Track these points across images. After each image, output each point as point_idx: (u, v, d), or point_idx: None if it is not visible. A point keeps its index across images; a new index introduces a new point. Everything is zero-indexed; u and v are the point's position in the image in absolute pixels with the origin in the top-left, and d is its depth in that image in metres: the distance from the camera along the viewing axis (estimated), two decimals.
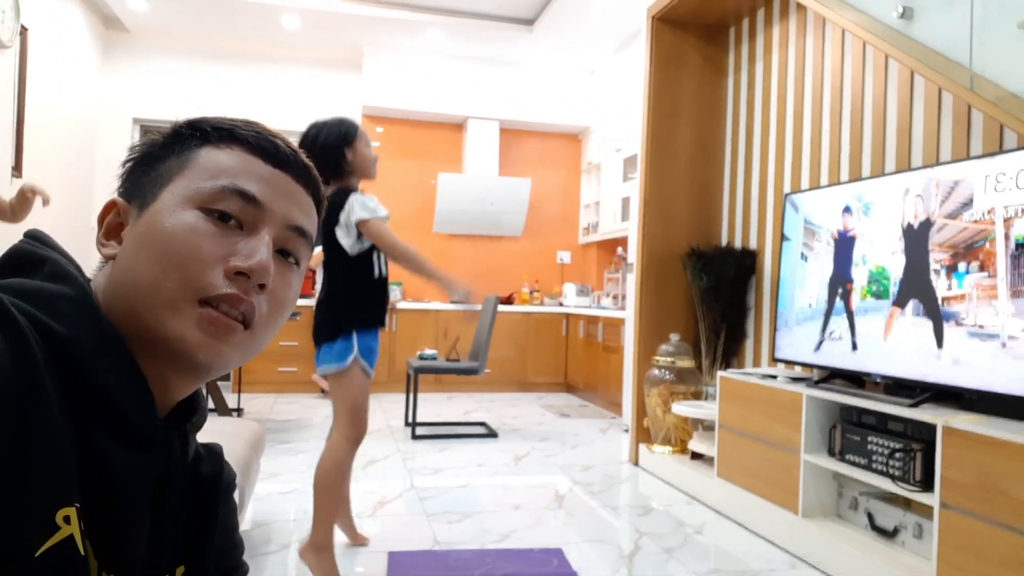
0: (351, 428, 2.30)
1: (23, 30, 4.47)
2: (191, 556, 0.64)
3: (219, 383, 4.64)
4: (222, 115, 0.65)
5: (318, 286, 6.20)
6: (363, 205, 2.24)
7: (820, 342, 2.88)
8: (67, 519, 0.47)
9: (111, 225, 0.62)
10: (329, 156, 2.29)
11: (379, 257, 2.35)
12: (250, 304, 0.58)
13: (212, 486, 0.67)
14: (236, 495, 2.07)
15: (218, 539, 0.68)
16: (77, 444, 0.49)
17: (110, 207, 0.63)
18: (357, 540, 2.62)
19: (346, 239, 2.26)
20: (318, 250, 2.41)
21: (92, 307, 0.54)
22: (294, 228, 0.63)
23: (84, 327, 0.52)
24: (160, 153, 0.62)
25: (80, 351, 0.51)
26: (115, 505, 0.52)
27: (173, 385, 0.59)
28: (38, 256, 0.56)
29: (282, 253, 0.63)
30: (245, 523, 2.82)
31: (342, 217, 2.25)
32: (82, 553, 0.48)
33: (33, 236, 0.59)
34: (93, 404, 0.51)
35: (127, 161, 0.64)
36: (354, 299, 2.30)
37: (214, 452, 0.70)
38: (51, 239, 0.60)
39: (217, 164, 0.61)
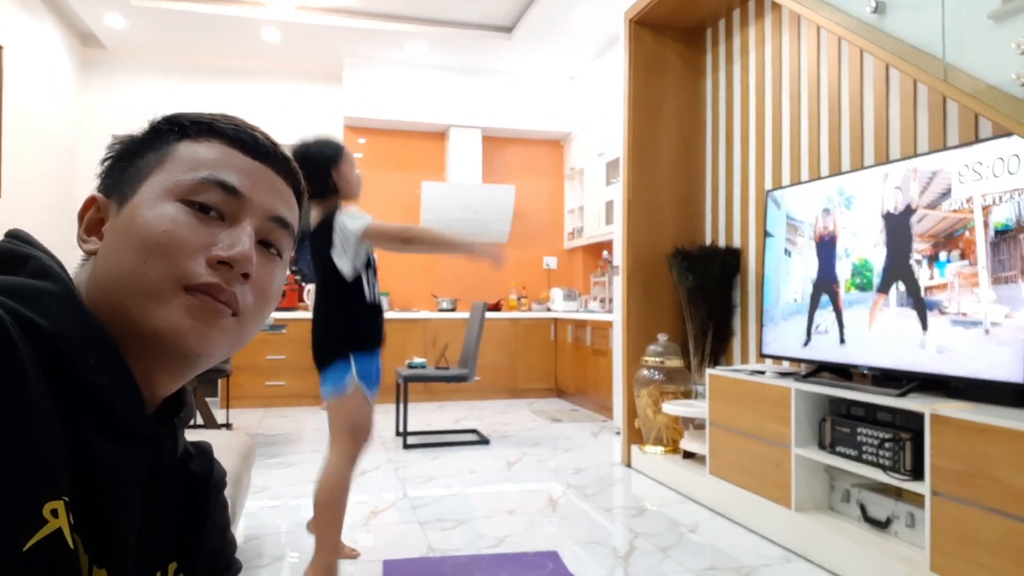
0: (352, 445, 2.26)
1: None
2: (183, 553, 0.63)
3: (207, 398, 4.60)
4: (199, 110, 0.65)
5: (306, 300, 6.19)
6: (352, 217, 2.23)
7: (807, 337, 2.90)
8: (55, 513, 0.46)
9: (91, 221, 0.62)
10: (315, 176, 2.28)
11: (370, 281, 2.33)
12: (232, 294, 0.58)
13: (202, 483, 0.67)
14: (229, 505, 2.04)
15: (210, 537, 0.67)
16: (64, 438, 0.49)
17: (90, 203, 0.62)
18: (345, 553, 2.59)
19: (345, 262, 2.23)
20: None
21: (76, 302, 0.54)
22: (276, 219, 0.63)
23: (69, 322, 0.52)
24: (138, 149, 0.62)
25: (65, 346, 0.51)
26: (104, 500, 0.51)
27: (159, 379, 0.59)
28: (21, 254, 0.56)
29: (264, 244, 0.63)
30: (237, 537, 2.79)
31: (336, 240, 2.23)
32: (71, 547, 0.47)
33: (15, 235, 0.59)
34: (80, 398, 0.51)
35: (106, 158, 0.64)
36: (348, 321, 2.26)
37: (204, 450, 0.70)
38: (33, 238, 0.59)
39: (196, 157, 0.61)
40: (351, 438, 2.26)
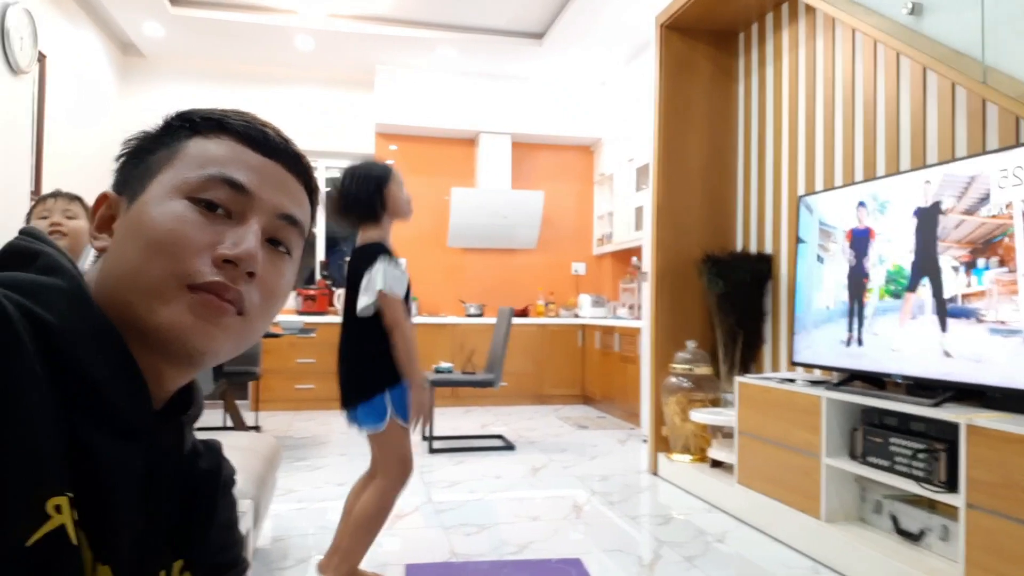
0: (402, 476, 2.26)
1: (41, 56, 4.55)
2: (189, 550, 0.63)
3: (237, 401, 4.66)
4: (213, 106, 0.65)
5: (336, 304, 6.24)
6: (387, 276, 2.20)
7: (839, 344, 2.84)
8: (58, 508, 0.46)
9: (103, 218, 0.62)
10: (362, 200, 2.29)
11: (407, 313, 2.31)
12: (237, 292, 0.58)
13: (210, 481, 0.67)
14: (251, 506, 2.03)
15: (217, 534, 0.67)
16: (68, 434, 0.49)
17: (101, 200, 0.63)
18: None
19: (364, 299, 2.24)
20: None
21: (84, 298, 0.54)
22: (285, 217, 0.63)
23: (76, 317, 0.52)
24: (150, 146, 0.62)
25: (72, 341, 0.51)
26: (106, 495, 0.51)
27: (166, 375, 0.59)
28: (31, 250, 0.56)
29: (273, 243, 0.63)
30: (263, 539, 2.82)
31: (364, 281, 2.22)
32: (74, 543, 0.47)
33: (28, 232, 0.59)
34: (85, 394, 0.51)
35: (120, 155, 0.64)
36: (382, 355, 2.23)
37: (212, 448, 0.70)
38: (45, 236, 0.60)
39: (206, 154, 0.60)
40: (400, 468, 2.26)
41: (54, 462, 0.47)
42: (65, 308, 0.52)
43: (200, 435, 0.71)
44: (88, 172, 5.54)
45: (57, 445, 0.47)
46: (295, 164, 0.65)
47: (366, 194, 2.28)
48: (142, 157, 0.62)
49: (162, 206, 0.58)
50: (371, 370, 2.24)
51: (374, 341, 2.24)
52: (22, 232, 0.60)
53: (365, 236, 2.30)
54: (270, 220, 0.62)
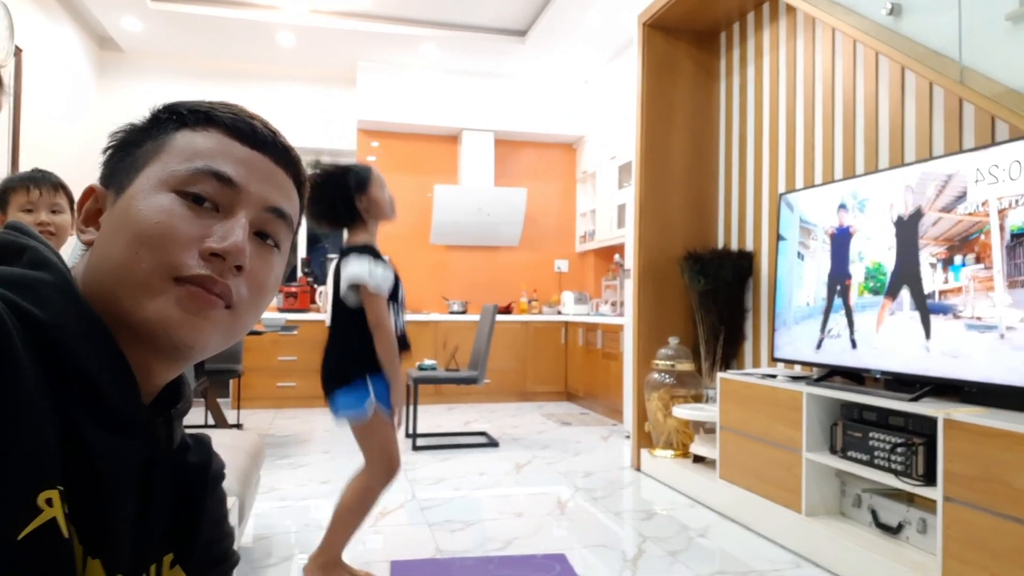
0: (386, 472, 2.25)
1: (17, 51, 4.48)
2: (179, 544, 0.63)
3: (218, 399, 4.63)
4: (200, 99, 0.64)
5: (319, 301, 6.21)
6: (372, 274, 2.18)
7: (819, 340, 2.87)
8: (49, 502, 0.46)
9: (89, 211, 0.62)
10: (339, 207, 2.26)
11: (397, 312, 2.32)
12: (225, 286, 0.57)
13: (200, 475, 0.66)
14: (237, 503, 2.02)
15: (207, 528, 0.67)
16: (58, 428, 0.48)
17: (88, 194, 0.62)
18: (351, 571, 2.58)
19: (351, 296, 2.24)
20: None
21: (72, 292, 0.54)
22: (272, 210, 0.62)
23: (64, 312, 0.52)
24: (137, 138, 0.62)
25: (61, 335, 0.50)
26: (98, 490, 0.51)
27: (155, 369, 0.59)
28: (18, 245, 0.56)
29: (261, 236, 0.62)
30: (246, 537, 2.80)
31: (344, 270, 2.22)
32: (66, 536, 0.47)
33: (13, 227, 0.59)
34: (75, 388, 0.51)
35: (106, 148, 0.64)
36: (365, 345, 2.22)
37: (202, 442, 0.69)
38: (31, 230, 0.59)
39: (193, 147, 0.60)
40: (384, 464, 2.24)
41: (45, 456, 0.46)
42: (54, 302, 0.51)
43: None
44: (66, 167, 5.46)
45: (48, 439, 0.47)
46: (283, 157, 0.65)
47: (342, 202, 2.26)
48: (129, 150, 0.62)
49: (149, 199, 0.57)
50: (354, 358, 2.24)
51: (358, 330, 2.24)
52: (7, 226, 0.59)
53: (352, 239, 2.30)
54: (258, 213, 0.61)
